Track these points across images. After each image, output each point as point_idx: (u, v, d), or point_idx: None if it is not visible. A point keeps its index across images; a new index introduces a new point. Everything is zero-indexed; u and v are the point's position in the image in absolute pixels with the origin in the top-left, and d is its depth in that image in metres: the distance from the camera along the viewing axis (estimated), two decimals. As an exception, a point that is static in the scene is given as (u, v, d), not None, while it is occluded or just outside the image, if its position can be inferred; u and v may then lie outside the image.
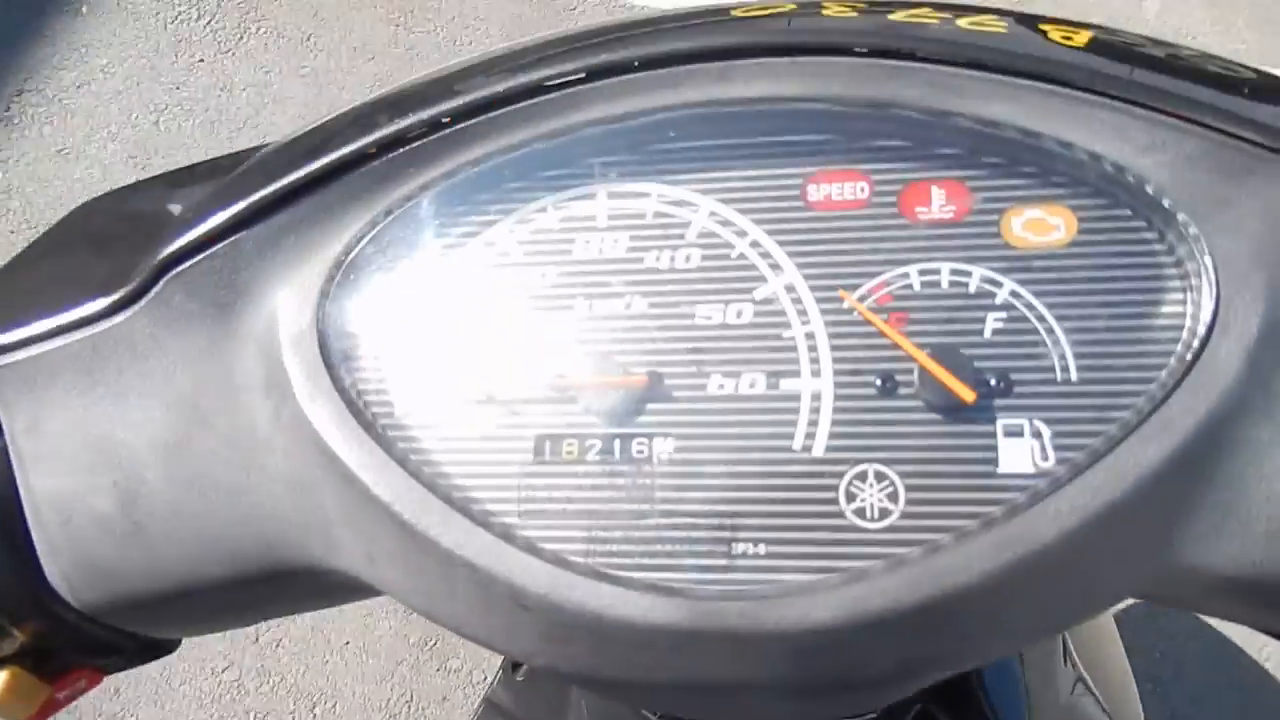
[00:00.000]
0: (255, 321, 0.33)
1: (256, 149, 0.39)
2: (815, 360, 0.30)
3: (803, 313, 0.30)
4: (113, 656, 0.37)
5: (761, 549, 0.29)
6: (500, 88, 0.32)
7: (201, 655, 1.44)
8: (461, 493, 0.30)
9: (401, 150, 0.32)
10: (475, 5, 2.12)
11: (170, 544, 0.32)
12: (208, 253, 0.33)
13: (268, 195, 0.33)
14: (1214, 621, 1.41)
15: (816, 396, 0.30)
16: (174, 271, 0.33)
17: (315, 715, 1.41)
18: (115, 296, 0.33)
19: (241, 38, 2.14)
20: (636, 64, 0.31)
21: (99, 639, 0.35)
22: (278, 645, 1.45)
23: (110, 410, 0.33)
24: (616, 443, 0.30)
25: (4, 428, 0.33)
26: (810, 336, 0.30)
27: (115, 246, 0.36)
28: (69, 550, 0.33)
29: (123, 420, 0.33)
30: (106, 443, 0.32)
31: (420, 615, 0.32)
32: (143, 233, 0.36)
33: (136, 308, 0.33)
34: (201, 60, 2.12)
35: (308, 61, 2.09)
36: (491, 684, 0.71)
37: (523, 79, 0.32)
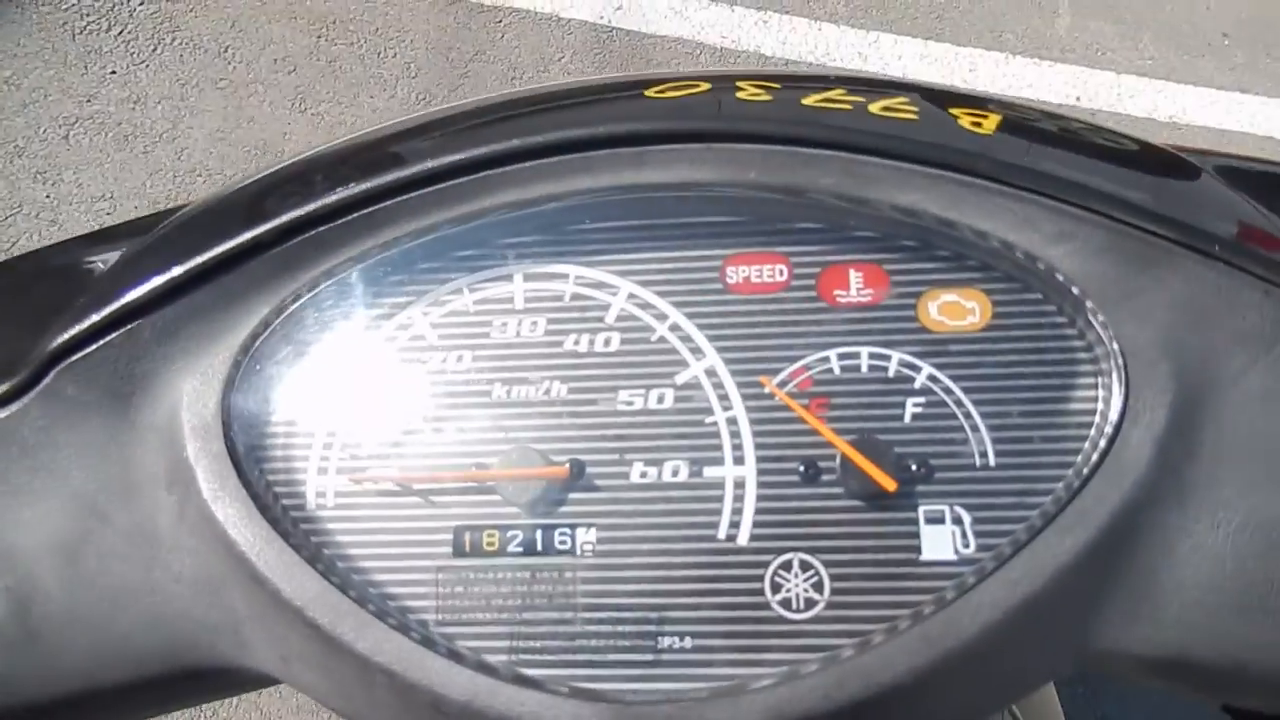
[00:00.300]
0: (156, 413, 0.31)
1: (161, 215, 0.38)
2: (738, 447, 0.30)
3: (724, 398, 0.30)
4: None
5: (688, 642, 0.28)
6: (412, 170, 0.31)
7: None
8: (378, 590, 0.30)
9: (308, 234, 0.31)
10: (399, 17, 2.08)
11: (69, 650, 0.31)
12: (102, 342, 0.31)
13: (167, 282, 0.31)
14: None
15: (740, 484, 0.29)
16: (65, 362, 0.31)
17: (245, 751, 1.37)
18: (1, 389, 0.31)
19: (156, 49, 2.07)
20: (551, 148, 0.31)
21: None
22: (204, 682, 1.40)
23: None
24: (538, 534, 0.30)
25: None
26: (733, 422, 0.30)
27: (3, 330, 0.34)
28: None
29: (13, 520, 0.31)
30: None
31: (341, 716, 0.31)
32: (35, 314, 0.34)
33: (25, 400, 0.32)
34: (113, 72, 2.04)
35: (225, 74, 2.03)
36: None
37: (434, 163, 0.31)
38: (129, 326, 0.31)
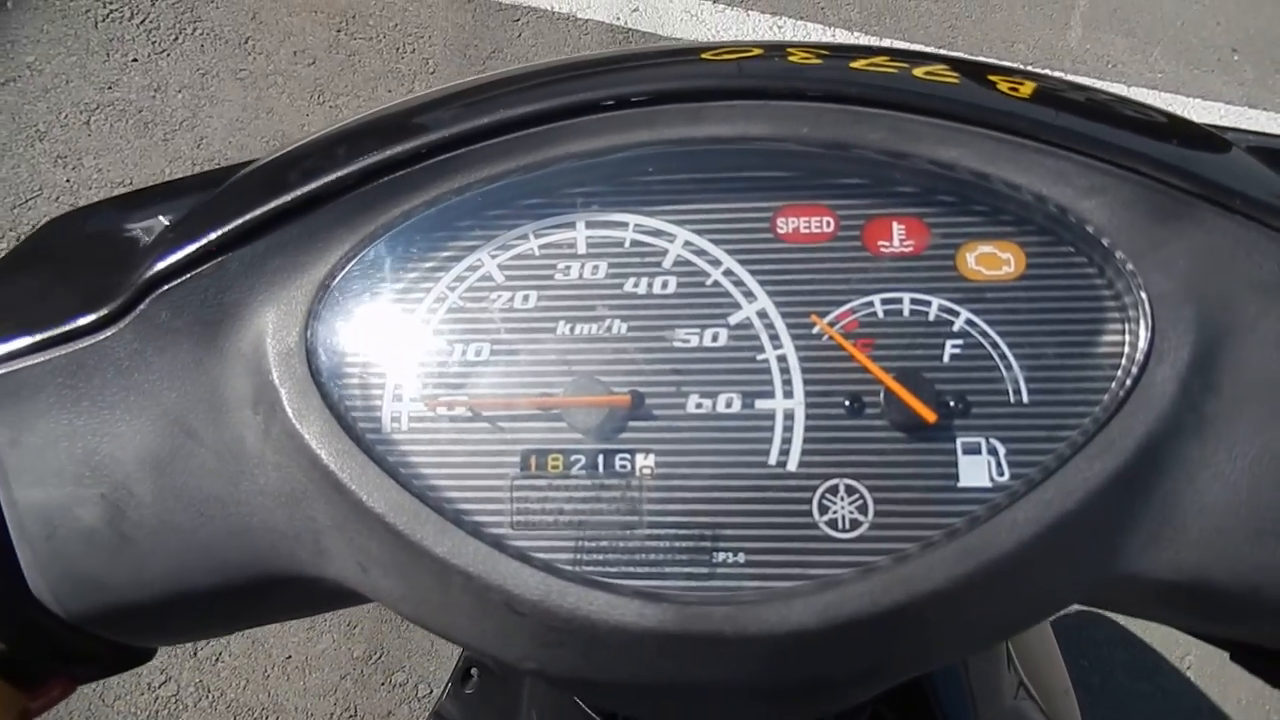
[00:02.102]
0: (242, 340, 0.33)
1: (230, 169, 0.40)
2: (788, 382, 0.32)
3: (775, 337, 0.32)
4: (89, 665, 0.37)
5: (741, 557, 0.30)
6: (486, 121, 0.33)
7: (138, 670, 1.39)
8: (452, 505, 0.32)
9: (386, 179, 0.34)
10: (417, 13, 2.11)
11: (158, 555, 0.33)
12: (194, 272, 0.34)
13: (254, 218, 0.33)
14: (1138, 632, 1.48)
15: (789, 415, 0.32)
16: (160, 290, 0.34)
17: (254, 730, 1.39)
18: (100, 313, 0.34)
19: (177, 38, 2.09)
20: (614, 103, 0.33)
21: (77, 648, 0.36)
22: (217, 660, 1.42)
23: (96, 425, 0.33)
24: (600, 458, 0.32)
25: None
26: (782, 359, 0.32)
27: (97, 263, 0.37)
28: (55, 563, 0.33)
29: (109, 434, 0.33)
30: (93, 456, 0.33)
31: (411, 622, 0.33)
32: (125, 250, 0.36)
33: (122, 324, 0.34)
34: (135, 60, 2.06)
35: (246, 64, 2.06)
36: (439, 698, 0.71)
37: (504, 114, 0.33)
38: (219, 259, 0.34)
